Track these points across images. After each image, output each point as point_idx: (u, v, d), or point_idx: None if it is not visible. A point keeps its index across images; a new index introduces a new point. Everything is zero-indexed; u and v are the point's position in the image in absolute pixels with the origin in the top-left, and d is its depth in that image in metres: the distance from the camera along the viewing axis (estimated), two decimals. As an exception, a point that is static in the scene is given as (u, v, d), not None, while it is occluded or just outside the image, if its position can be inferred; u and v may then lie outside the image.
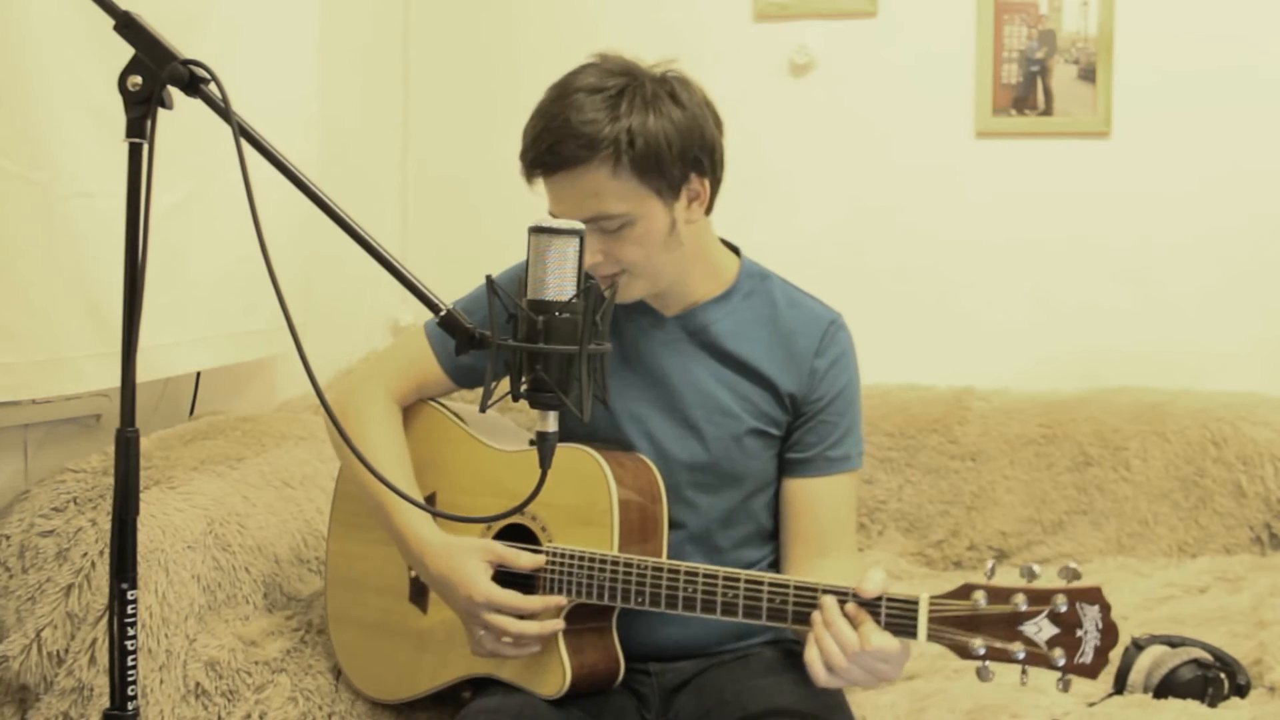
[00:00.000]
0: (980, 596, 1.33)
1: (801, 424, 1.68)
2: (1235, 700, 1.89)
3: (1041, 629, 1.32)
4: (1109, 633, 1.31)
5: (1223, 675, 1.90)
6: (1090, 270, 2.96)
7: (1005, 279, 3.01)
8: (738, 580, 1.47)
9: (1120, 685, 1.93)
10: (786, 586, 1.44)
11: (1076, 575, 1.31)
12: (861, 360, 1.75)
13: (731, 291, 1.70)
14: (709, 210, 1.67)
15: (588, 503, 1.58)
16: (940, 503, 2.73)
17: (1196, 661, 1.89)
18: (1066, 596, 1.31)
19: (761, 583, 1.45)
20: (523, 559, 1.60)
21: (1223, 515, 2.58)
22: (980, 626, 1.33)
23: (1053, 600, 1.31)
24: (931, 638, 1.36)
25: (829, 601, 1.39)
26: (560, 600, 1.58)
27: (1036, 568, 1.33)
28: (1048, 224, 2.97)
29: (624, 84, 1.56)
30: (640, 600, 1.52)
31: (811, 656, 1.38)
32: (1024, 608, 1.32)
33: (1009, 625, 1.33)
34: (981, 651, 1.33)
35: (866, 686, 1.41)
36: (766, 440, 1.69)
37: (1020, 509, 2.69)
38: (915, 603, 1.36)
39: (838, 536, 1.68)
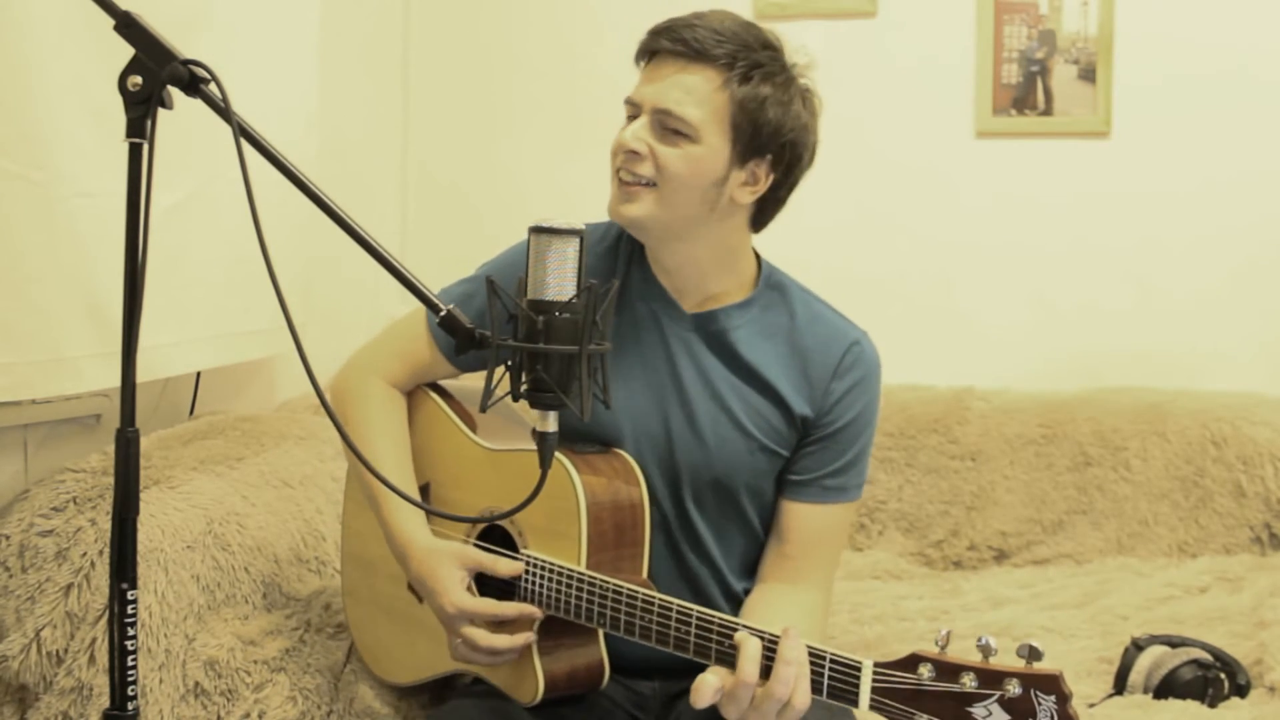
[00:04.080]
0: (927, 671, 1.25)
1: (806, 446, 1.64)
2: (1235, 700, 1.89)
3: (991, 713, 1.21)
4: None
5: (1223, 675, 1.90)
6: (1090, 270, 2.96)
7: (1005, 279, 3.01)
8: (689, 618, 1.42)
9: (1120, 686, 1.94)
10: (734, 631, 1.38)
11: (1037, 656, 1.20)
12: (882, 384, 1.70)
13: (753, 300, 1.66)
14: (760, 224, 1.66)
15: (558, 513, 1.55)
16: (940, 503, 2.73)
17: (1197, 662, 1.90)
18: (1020, 681, 1.20)
19: (711, 623, 1.40)
20: (501, 565, 1.57)
21: (1223, 515, 2.58)
22: (925, 702, 1.24)
23: (1005, 684, 1.20)
24: (874, 707, 1.28)
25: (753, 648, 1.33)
26: (536, 611, 1.56)
27: (994, 642, 1.22)
28: (1048, 224, 2.98)
29: (776, 51, 1.59)
30: (603, 623, 1.49)
31: (706, 679, 1.33)
32: (973, 689, 1.22)
33: (957, 705, 1.23)
34: None
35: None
36: (774, 459, 1.65)
37: (1020, 509, 2.69)
38: (858, 668, 1.29)
39: (814, 565, 1.65)
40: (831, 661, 1.31)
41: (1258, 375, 2.82)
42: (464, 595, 1.57)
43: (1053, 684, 1.19)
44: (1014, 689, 1.20)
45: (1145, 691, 1.91)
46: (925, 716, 1.24)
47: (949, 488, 2.73)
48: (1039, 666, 1.20)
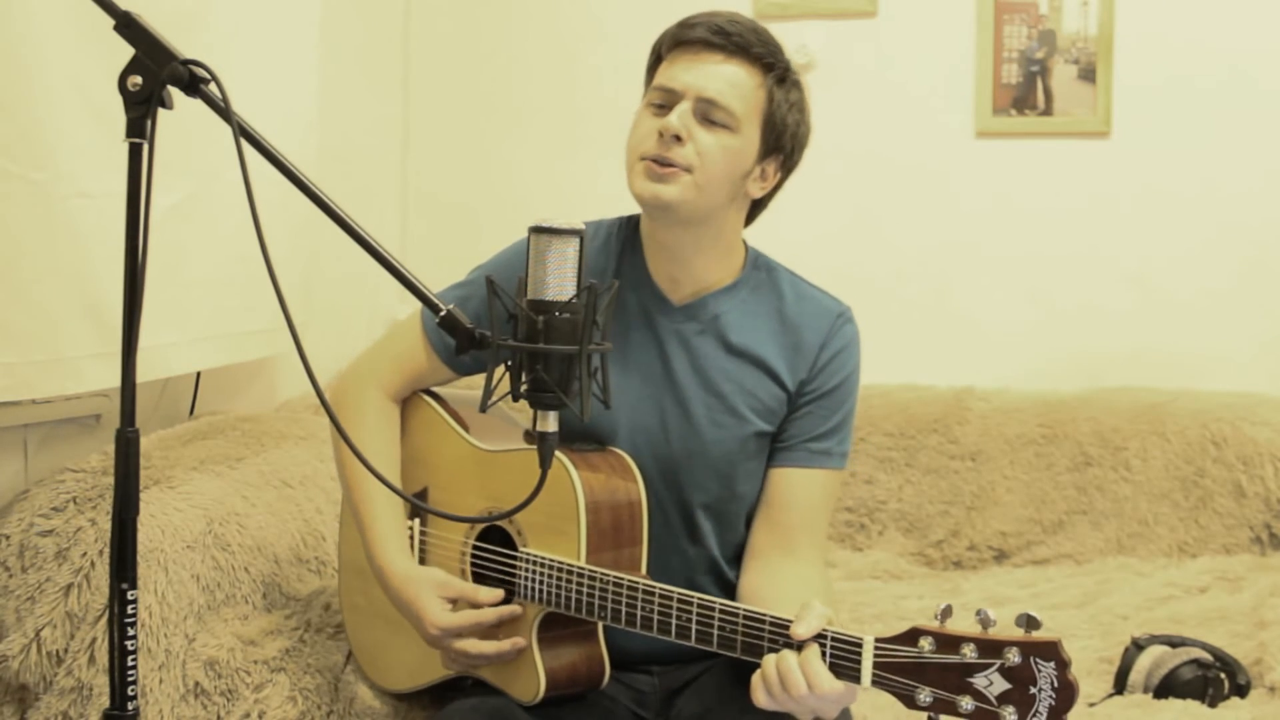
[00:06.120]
0: (927, 643, 1.25)
1: (793, 413, 1.67)
2: (1235, 700, 1.89)
3: (993, 683, 1.22)
4: (1065, 691, 1.19)
5: (1223, 675, 1.90)
6: (1090, 270, 2.96)
7: (1005, 279, 3.01)
8: (691, 604, 1.43)
9: (1120, 685, 1.94)
10: (735, 616, 1.40)
11: (1035, 625, 1.21)
12: (862, 360, 1.73)
13: (740, 283, 1.69)
14: (751, 219, 1.71)
15: (557, 510, 1.56)
16: (940, 503, 2.73)
17: (1197, 661, 1.90)
18: (1020, 649, 1.21)
19: (713, 609, 1.42)
20: (481, 595, 1.59)
21: (1223, 515, 2.58)
22: (927, 675, 1.25)
23: (1005, 653, 1.21)
24: (876, 683, 1.28)
25: (787, 653, 1.35)
26: (515, 609, 1.57)
27: (992, 614, 1.23)
28: (1048, 224, 2.97)
29: (785, 55, 1.63)
30: (604, 616, 1.51)
31: (755, 681, 1.36)
32: (974, 659, 1.23)
33: (958, 676, 1.23)
34: (928, 701, 1.25)
35: (801, 718, 1.37)
36: (765, 441, 1.67)
37: (1020, 509, 2.69)
38: (859, 645, 1.30)
39: (806, 534, 1.66)
40: (833, 639, 1.32)
41: (1258, 375, 2.82)
42: (443, 616, 1.59)
43: (1052, 650, 1.20)
44: (1014, 657, 1.21)
45: (1145, 691, 1.91)
46: (927, 689, 1.25)
47: (949, 488, 2.73)
48: (1037, 635, 1.21)
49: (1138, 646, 1.95)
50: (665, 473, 1.66)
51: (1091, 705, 1.87)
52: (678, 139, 1.55)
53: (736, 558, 1.70)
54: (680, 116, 1.56)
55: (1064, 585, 2.47)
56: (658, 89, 1.61)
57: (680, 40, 1.61)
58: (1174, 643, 1.95)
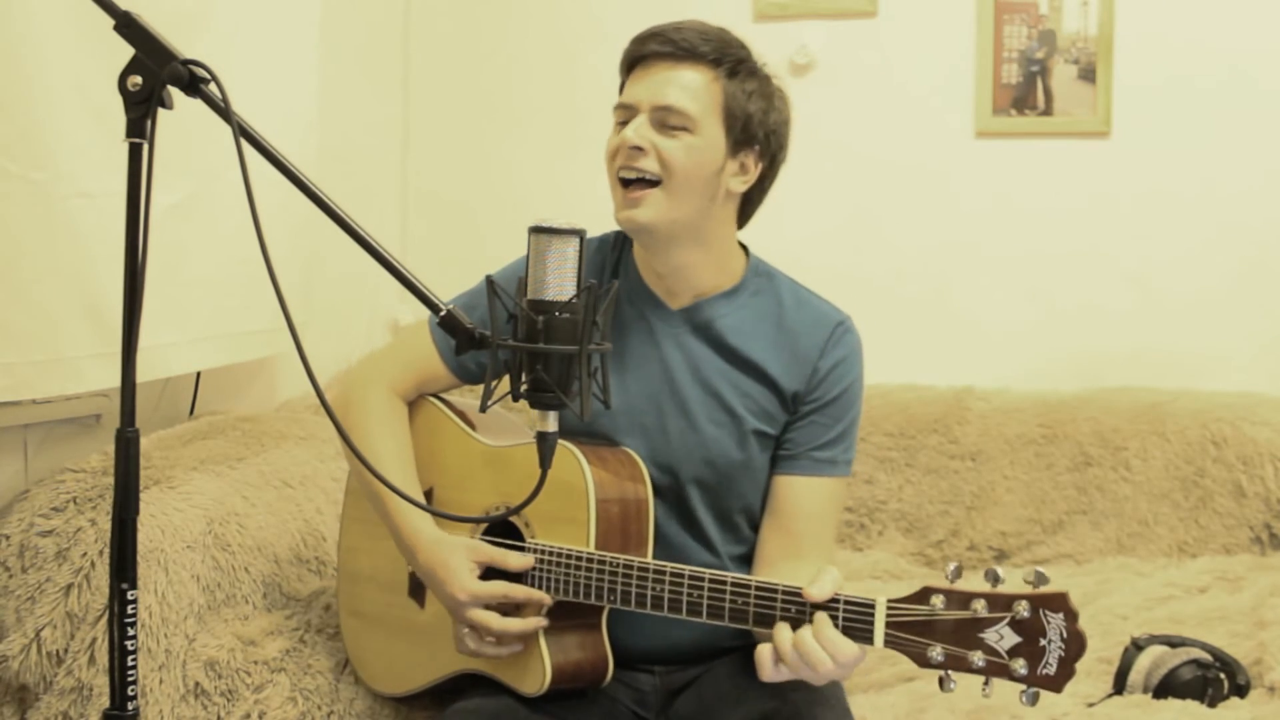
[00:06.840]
0: (939, 601, 1.27)
1: (795, 421, 1.68)
2: (1235, 700, 1.89)
3: (1003, 637, 1.24)
4: (1074, 642, 1.21)
5: (1222, 675, 1.90)
6: (1090, 270, 2.96)
7: (1005, 279, 3.01)
8: (702, 580, 1.46)
9: (1120, 685, 1.94)
10: (748, 588, 1.42)
11: (1044, 580, 1.24)
12: (864, 366, 1.73)
13: (739, 288, 1.71)
14: (745, 218, 1.72)
15: (567, 500, 1.58)
16: (940, 503, 2.73)
17: (1196, 661, 1.90)
18: (1029, 603, 1.23)
19: (724, 583, 1.44)
20: (511, 559, 1.60)
21: (1223, 515, 2.58)
22: (939, 632, 1.27)
23: (1014, 606, 1.23)
24: (889, 643, 1.30)
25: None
26: (546, 598, 1.58)
27: (1001, 572, 1.25)
28: (1048, 224, 2.97)
29: (748, 52, 1.68)
30: (614, 599, 1.53)
31: (763, 652, 1.38)
32: (984, 614, 1.25)
33: (969, 632, 1.26)
34: (940, 659, 1.26)
35: (812, 683, 1.39)
36: (765, 441, 1.69)
37: (1020, 509, 2.69)
38: (872, 606, 1.32)
39: (813, 540, 1.67)
40: (845, 603, 1.34)
41: (1258, 375, 2.82)
42: (475, 581, 1.59)
43: (1060, 602, 1.23)
44: (1023, 611, 1.24)
45: (1145, 691, 1.91)
46: (939, 645, 1.27)
47: (949, 488, 2.73)
48: (1045, 589, 1.24)
49: (1137, 646, 1.96)
50: (666, 473, 1.67)
51: (1091, 705, 1.87)
52: (639, 149, 1.59)
53: (740, 559, 1.71)
54: (636, 129, 1.60)
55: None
56: (618, 107, 1.66)
57: (635, 58, 1.66)
58: (1174, 643, 1.95)
